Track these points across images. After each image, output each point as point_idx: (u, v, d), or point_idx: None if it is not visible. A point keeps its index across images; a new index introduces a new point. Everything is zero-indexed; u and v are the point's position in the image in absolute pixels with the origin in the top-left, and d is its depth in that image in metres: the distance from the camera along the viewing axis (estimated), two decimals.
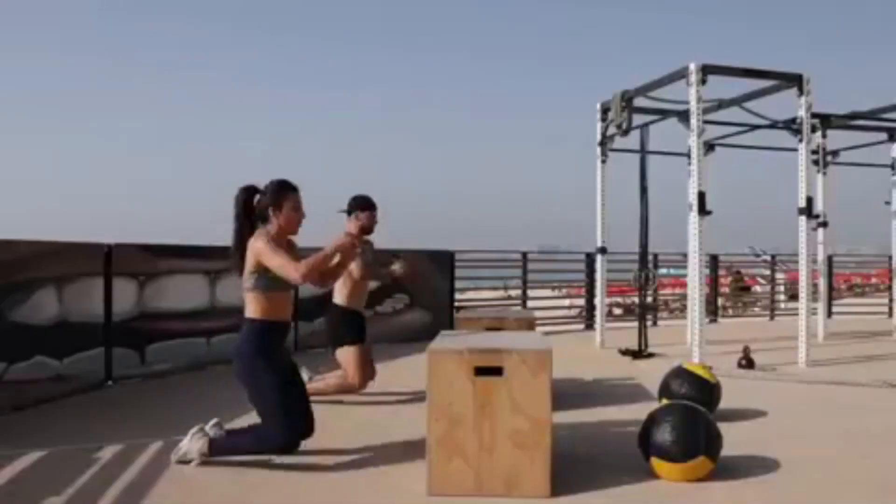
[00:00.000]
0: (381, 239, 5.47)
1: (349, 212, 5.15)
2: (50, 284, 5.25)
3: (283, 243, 3.63)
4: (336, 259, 3.73)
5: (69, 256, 5.50)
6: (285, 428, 3.49)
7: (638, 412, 4.19)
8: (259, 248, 3.49)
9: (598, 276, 8.85)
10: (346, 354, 5.03)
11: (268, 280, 3.51)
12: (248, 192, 3.65)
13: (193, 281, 6.69)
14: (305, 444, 3.75)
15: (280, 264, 3.45)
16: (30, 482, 3.40)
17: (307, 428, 3.60)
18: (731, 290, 13.29)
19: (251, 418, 4.61)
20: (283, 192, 3.63)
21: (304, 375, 5.02)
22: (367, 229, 5.16)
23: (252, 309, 3.57)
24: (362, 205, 5.14)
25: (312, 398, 4.80)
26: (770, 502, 3.14)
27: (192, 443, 3.56)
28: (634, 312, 10.59)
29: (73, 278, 5.51)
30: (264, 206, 3.62)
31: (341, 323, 5.09)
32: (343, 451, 3.85)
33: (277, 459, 3.67)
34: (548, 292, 13.45)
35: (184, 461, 3.56)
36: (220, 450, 3.56)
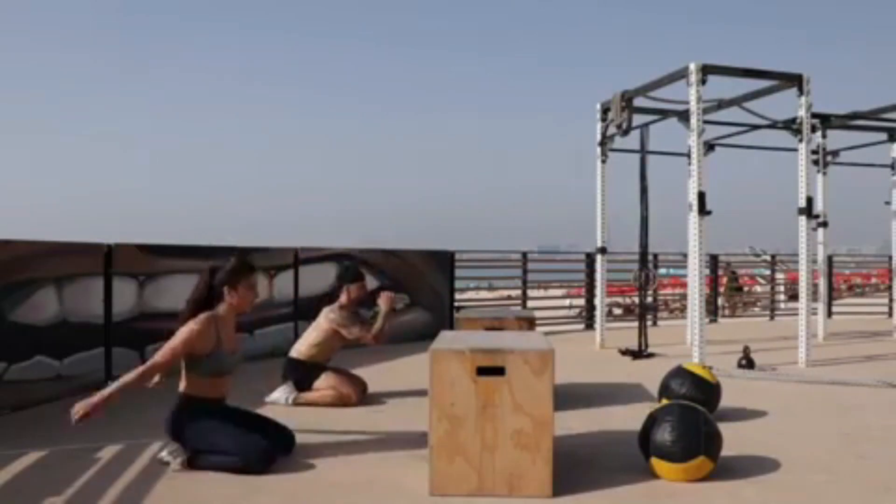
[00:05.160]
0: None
1: (340, 285, 5.38)
2: (50, 284, 5.25)
3: (229, 321, 3.71)
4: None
5: (69, 256, 5.50)
6: (249, 448, 3.48)
7: (638, 412, 4.20)
8: (184, 328, 3.54)
9: (598, 276, 8.85)
10: (325, 382, 5.05)
11: (207, 364, 3.55)
12: (211, 273, 3.74)
13: (193, 281, 6.66)
14: (306, 444, 3.75)
15: (161, 351, 3.52)
16: (30, 482, 3.39)
17: (275, 446, 3.59)
18: (725, 289, 13.31)
19: None
20: (240, 272, 3.71)
21: (283, 394, 5.04)
22: (360, 300, 5.36)
23: (186, 385, 3.61)
24: (352, 277, 5.37)
25: (310, 405, 4.82)
26: (770, 502, 3.14)
27: (172, 455, 3.57)
28: (634, 312, 10.60)
29: (73, 278, 5.50)
30: (219, 283, 3.67)
31: (306, 376, 5.09)
32: (344, 451, 3.85)
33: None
34: (541, 292, 13.43)
35: (161, 461, 3.60)
36: (201, 467, 3.54)
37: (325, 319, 5.19)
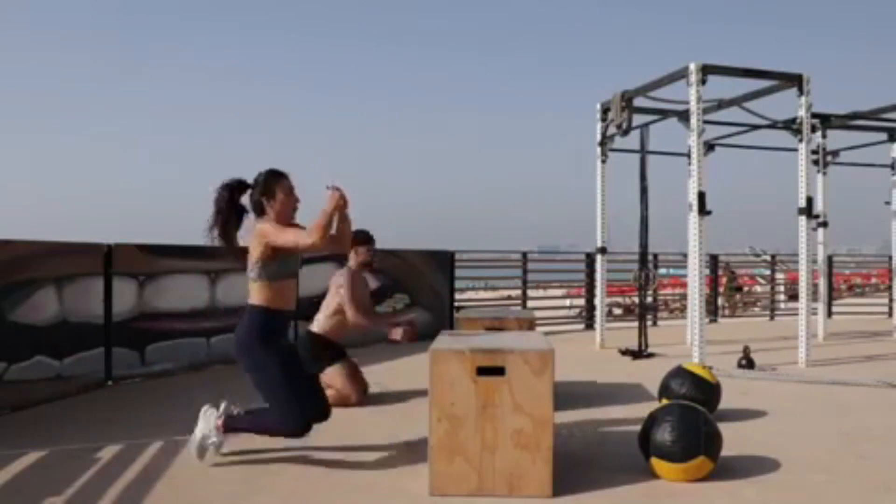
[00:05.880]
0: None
1: None
2: (50, 284, 5.25)
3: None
4: (336, 217, 3.55)
5: (69, 256, 5.50)
6: (293, 415, 3.47)
7: (638, 412, 4.20)
8: (265, 229, 3.47)
9: (598, 276, 8.85)
10: (328, 379, 5.01)
11: (276, 267, 3.51)
12: (232, 187, 3.59)
13: (193, 281, 6.68)
14: (306, 445, 3.75)
15: (293, 238, 3.44)
16: (30, 482, 3.39)
17: (318, 413, 3.59)
18: (725, 289, 13.33)
19: None
20: (274, 179, 3.61)
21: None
22: (367, 264, 5.29)
23: (256, 297, 3.54)
24: (361, 240, 5.22)
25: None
26: (770, 502, 3.14)
27: (204, 420, 3.58)
28: (634, 312, 10.60)
29: (73, 278, 5.51)
30: (257, 198, 3.60)
31: (316, 348, 5.07)
32: (344, 451, 3.85)
33: (277, 460, 3.68)
34: (540, 292, 13.44)
35: (203, 447, 3.56)
36: (234, 426, 3.54)
37: (336, 278, 5.14)
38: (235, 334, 3.58)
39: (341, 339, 5.21)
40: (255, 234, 3.51)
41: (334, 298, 5.13)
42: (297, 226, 3.66)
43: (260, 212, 3.61)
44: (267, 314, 3.53)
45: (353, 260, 5.25)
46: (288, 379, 3.50)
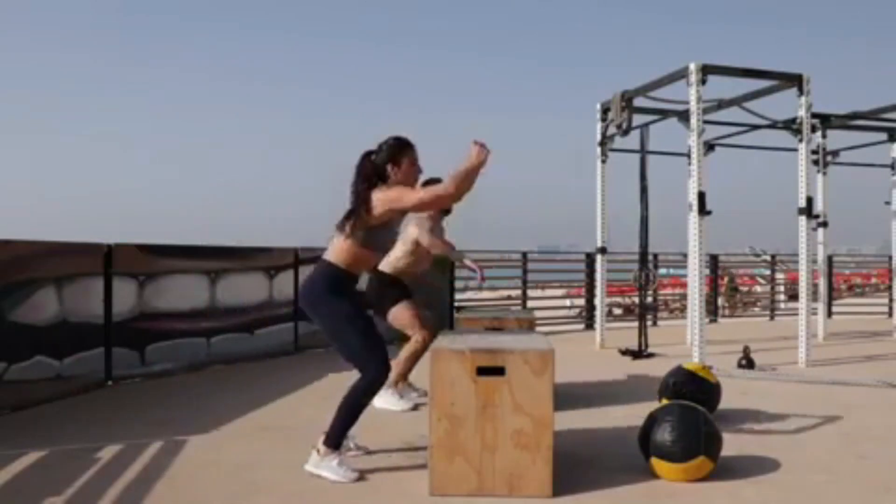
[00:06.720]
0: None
1: None
2: (50, 284, 5.25)
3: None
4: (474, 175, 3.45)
5: (69, 256, 5.50)
6: (376, 357, 3.42)
7: (638, 412, 4.19)
8: (393, 195, 3.42)
9: (598, 276, 8.85)
10: (398, 313, 5.06)
11: (378, 235, 3.49)
12: (368, 155, 3.61)
13: (193, 281, 6.68)
14: (306, 445, 3.75)
15: (429, 195, 3.44)
16: (30, 482, 3.39)
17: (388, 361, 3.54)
18: (726, 289, 13.31)
19: (251, 419, 4.62)
20: (402, 148, 3.63)
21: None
22: (447, 210, 5.36)
23: (336, 254, 3.48)
24: None
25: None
26: (770, 502, 3.14)
27: (316, 468, 3.43)
28: (634, 312, 10.60)
29: (73, 278, 5.51)
30: (382, 162, 3.58)
31: (382, 286, 5.11)
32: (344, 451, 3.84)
33: (278, 459, 3.68)
34: (538, 292, 13.45)
35: (339, 474, 3.41)
36: (333, 436, 3.43)
37: (413, 218, 5.02)
38: (302, 287, 3.56)
39: (409, 276, 5.28)
40: (382, 198, 3.43)
41: (408, 234, 5.08)
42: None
43: (382, 177, 3.58)
44: (339, 273, 3.48)
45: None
46: (362, 328, 3.47)
